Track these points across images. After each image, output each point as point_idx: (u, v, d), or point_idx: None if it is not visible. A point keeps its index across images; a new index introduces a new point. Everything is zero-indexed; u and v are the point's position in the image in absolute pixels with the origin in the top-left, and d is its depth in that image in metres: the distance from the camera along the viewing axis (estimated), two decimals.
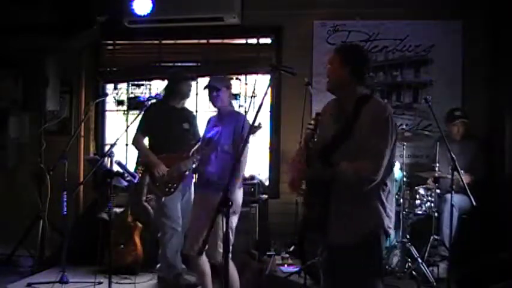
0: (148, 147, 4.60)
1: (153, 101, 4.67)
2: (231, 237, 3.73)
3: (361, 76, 2.74)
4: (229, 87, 3.93)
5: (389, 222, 2.68)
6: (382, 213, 2.64)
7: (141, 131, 4.57)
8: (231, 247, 3.68)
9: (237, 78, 5.97)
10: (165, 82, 5.01)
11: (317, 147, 2.77)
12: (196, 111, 6.03)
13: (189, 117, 4.76)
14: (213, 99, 3.91)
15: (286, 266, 4.83)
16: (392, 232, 2.77)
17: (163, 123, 4.31)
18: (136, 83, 6.25)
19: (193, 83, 4.77)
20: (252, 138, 5.09)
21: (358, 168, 2.57)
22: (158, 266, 4.73)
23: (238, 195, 3.85)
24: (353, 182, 2.59)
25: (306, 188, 2.81)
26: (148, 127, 4.50)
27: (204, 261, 3.80)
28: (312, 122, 2.76)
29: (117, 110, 6.34)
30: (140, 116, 4.57)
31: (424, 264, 4.42)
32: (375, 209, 2.64)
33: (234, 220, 3.82)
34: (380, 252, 2.71)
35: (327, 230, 2.73)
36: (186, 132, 4.60)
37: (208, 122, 4.09)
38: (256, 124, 5.00)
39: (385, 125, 2.61)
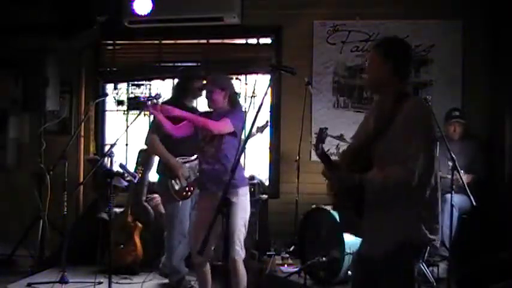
0: None
1: (165, 99, 4.58)
2: (241, 237, 3.69)
3: (404, 73, 2.56)
4: (225, 88, 3.85)
5: (430, 234, 2.45)
6: (418, 223, 2.43)
7: (155, 131, 4.42)
8: (239, 248, 3.68)
9: (237, 78, 5.97)
10: (175, 80, 4.96)
11: (354, 149, 2.67)
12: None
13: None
14: (207, 100, 3.88)
15: (286, 266, 4.83)
16: (437, 243, 2.53)
17: (175, 121, 4.20)
18: (136, 83, 6.25)
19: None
20: (260, 135, 5.13)
21: (387, 175, 2.38)
22: (162, 260, 4.70)
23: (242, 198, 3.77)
24: (381, 190, 2.39)
25: (336, 191, 2.66)
26: (161, 126, 4.42)
27: (207, 270, 3.80)
28: (316, 134, 2.63)
29: (117, 110, 6.33)
30: (152, 116, 4.49)
31: (424, 264, 4.42)
32: (410, 219, 2.43)
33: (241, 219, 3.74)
34: (412, 267, 2.49)
35: (362, 237, 2.63)
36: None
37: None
38: (263, 123, 5.03)
39: (419, 127, 2.41)
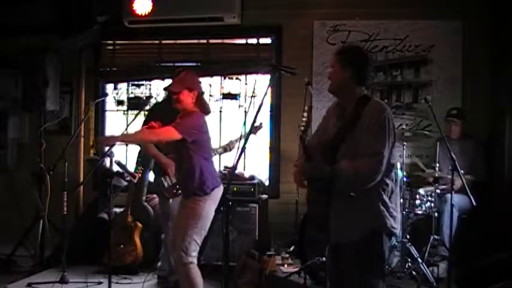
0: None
1: (158, 100, 4.60)
2: (191, 243, 3.58)
3: (362, 78, 2.75)
4: (193, 89, 3.72)
5: (394, 222, 2.68)
6: (384, 213, 2.65)
7: None
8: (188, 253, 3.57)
9: (237, 78, 5.97)
10: (168, 82, 4.95)
11: (320, 146, 2.80)
12: None
13: None
14: (174, 101, 3.74)
15: (286, 266, 4.83)
16: (397, 232, 2.77)
17: (167, 123, 4.20)
18: (136, 83, 6.24)
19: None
20: (253, 137, 5.11)
21: (357, 167, 2.58)
22: (159, 265, 4.73)
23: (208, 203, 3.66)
24: (352, 180, 2.61)
25: (308, 185, 2.85)
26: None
27: (196, 271, 3.67)
28: (304, 115, 2.79)
29: (117, 110, 6.33)
30: (145, 116, 4.49)
31: (424, 264, 4.42)
32: (376, 208, 2.65)
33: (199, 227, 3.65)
34: (382, 253, 2.70)
35: (330, 228, 2.76)
36: None
37: None
38: (257, 124, 5.02)
39: (383, 126, 2.62)
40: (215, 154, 4.62)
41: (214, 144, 5.10)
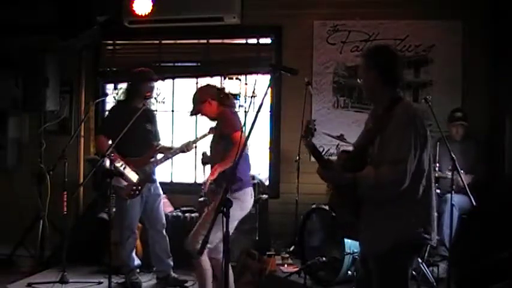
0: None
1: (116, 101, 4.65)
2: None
3: (389, 79, 2.63)
4: (206, 98, 3.91)
5: (423, 232, 2.52)
6: (412, 222, 2.51)
7: (104, 132, 4.58)
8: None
9: (237, 78, 5.97)
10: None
11: (351, 152, 2.74)
12: None
13: (152, 118, 4.72)
14: (205, 117, 4.01)
15: (286, 266, 4.83)
16: (432, 242, 2.60)
17: (125, 124, 4.12)
18: None
19: (155, 84, 4.77)
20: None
21: (379, 174, 2.46)
22: (155, 268, 4.77)
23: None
24: (374, 188, 2.48)
25: (332, 190, 2.76)
26: (111, 128, 4.42)
27: (205, 261, 3.77)
28: (304, 129, 2.72)
29: None
30: (107, 115, 4.51)
31: (424, 264, 4.42)
32: (404, 217, 2.51)
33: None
34: (406, 263, 2.56)
35: (359, 237, 2.70)
36: (148, 133, 4.60)
37: None
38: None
39: (406, 130, 2.48)
40: (171, 155, 4.56)
41: (175, 144, 5.15)
